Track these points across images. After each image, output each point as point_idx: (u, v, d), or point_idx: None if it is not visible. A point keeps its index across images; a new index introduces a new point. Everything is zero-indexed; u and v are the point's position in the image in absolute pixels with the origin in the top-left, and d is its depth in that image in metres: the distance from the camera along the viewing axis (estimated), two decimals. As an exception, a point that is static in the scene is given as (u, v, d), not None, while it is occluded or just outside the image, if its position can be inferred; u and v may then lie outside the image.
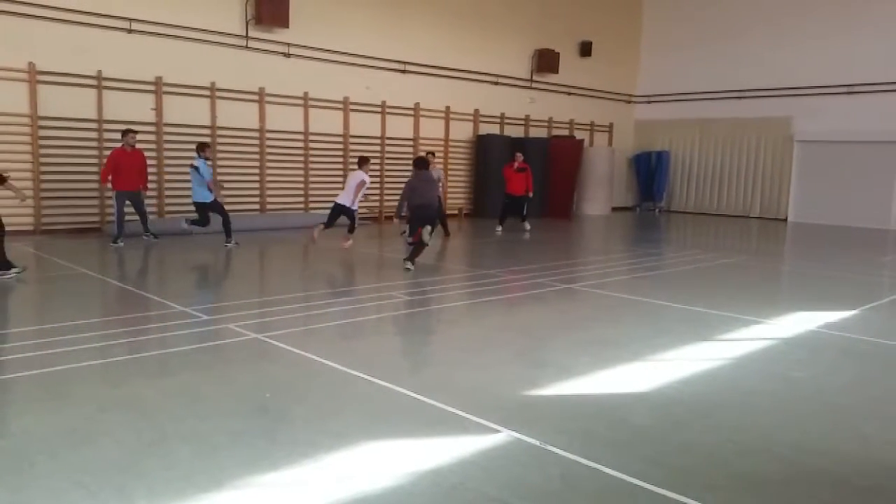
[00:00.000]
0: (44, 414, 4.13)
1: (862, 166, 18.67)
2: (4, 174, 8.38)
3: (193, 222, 11.66)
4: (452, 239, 13.57)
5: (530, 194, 15.07)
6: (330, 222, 11.46)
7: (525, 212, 15.19)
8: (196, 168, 11.10)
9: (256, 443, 3.74)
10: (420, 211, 9.82)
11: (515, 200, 14.97)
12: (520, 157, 15.09)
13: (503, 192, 15.22)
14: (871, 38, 18.31)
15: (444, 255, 12.10)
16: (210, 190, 11.23)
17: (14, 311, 7.20)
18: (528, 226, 15.15)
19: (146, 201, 12.30)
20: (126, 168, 11.06)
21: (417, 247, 9.79)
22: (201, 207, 11.43)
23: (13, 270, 8.21)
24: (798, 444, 3.94)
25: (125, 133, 11.19)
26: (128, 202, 11.31)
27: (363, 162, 11.75)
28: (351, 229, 11.44)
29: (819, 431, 4.18)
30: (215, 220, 11.64)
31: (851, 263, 11.73)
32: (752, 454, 3.78)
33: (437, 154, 14.98)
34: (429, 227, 9.70)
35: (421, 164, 10.17)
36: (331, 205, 11.59)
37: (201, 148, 11.33)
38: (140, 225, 11.71)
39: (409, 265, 9.59)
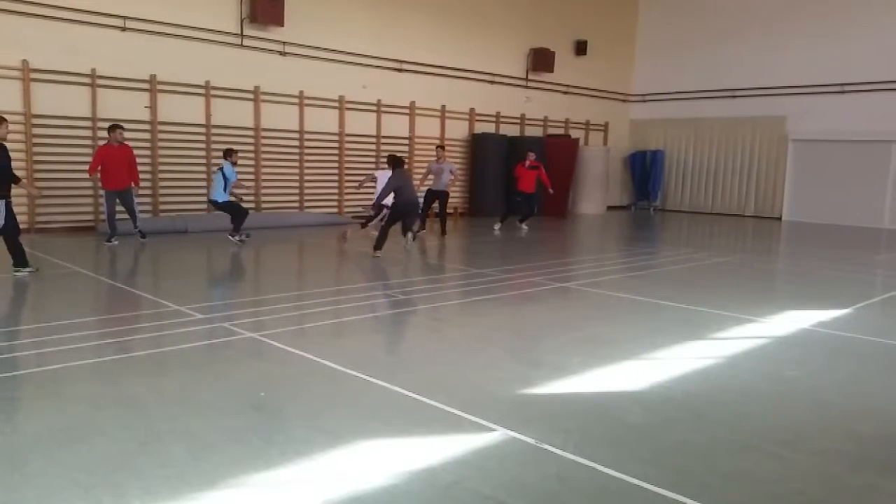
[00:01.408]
0: (38, 412, 4.12)
1: (856, 165, 18.74)
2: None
3: (239, 232, 11.68)
4: (448, 238, 13.57)
5: (551, 190, 15.18)
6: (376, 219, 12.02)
7: (535, 211, 15.34)
8: (220, 170, 11.53)
9: (251, 441, 3.73)
10: (405, 207, 10.45)
11: (528, 198, 15.05)
12: (532, 155, 15.16)
13: (513, 190, 15.31)
14: (864, 38, 18.37)
15: (440, 254, 12.10)
16: (225, 190, 11.56)
17: (9, 309, 7.18)
18: (525, 227, 15.20)
19: (140, 199, 12.30)
20: (113, 165, 10.92)
21: (381, 235, 10.42)
22: (216, 206, 11.76)
23: (26, 269, 8.30)
24: (791, 443, 3.95)
25: (112, 128, 11.07)
26: (118, 200, 11.25)
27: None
28: (364, 225, 11.85)
29: (812, 430, 4.19)
30: (222, 221, 11.94)
31: (845, 262, 11.77)
32: (746, 453, 3.80)
33: (445, 148, 15.16)
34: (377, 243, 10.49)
35: (399, 163, 10.69)
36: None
37: (228, 153, 11.76)
38: (128, 224, 11.61)
39: (377, 254, 10.27)
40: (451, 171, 13.90)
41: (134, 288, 8.27)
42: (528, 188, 14.92)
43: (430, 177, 14.08)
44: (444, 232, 13.78)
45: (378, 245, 10.50)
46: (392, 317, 7.21)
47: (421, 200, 13.18)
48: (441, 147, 14.49)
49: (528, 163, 14.98)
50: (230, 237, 11.55)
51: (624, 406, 4.46)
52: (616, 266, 11.12)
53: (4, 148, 8.17)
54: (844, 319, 7.23)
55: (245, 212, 11.79)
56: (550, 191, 15.21)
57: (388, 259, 10.69)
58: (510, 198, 15.28)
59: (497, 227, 14.76)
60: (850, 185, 18.79)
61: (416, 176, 14.48)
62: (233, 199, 11.88)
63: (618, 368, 5.26)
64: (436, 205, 13.98)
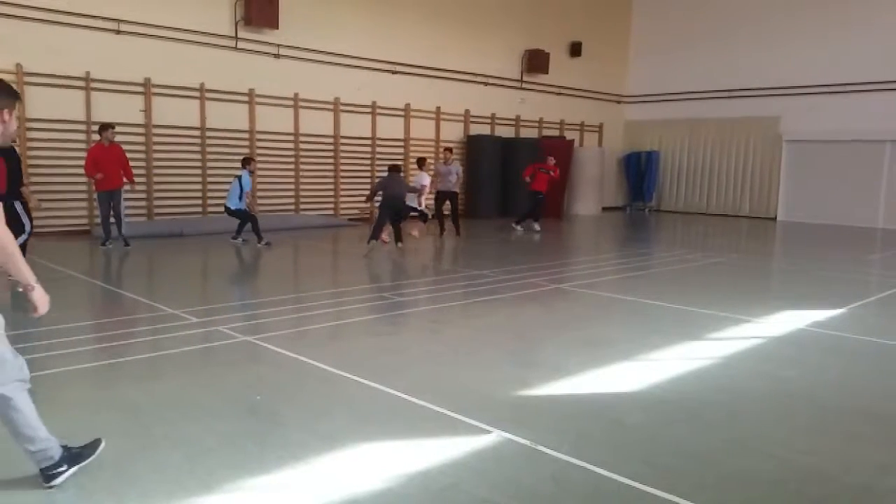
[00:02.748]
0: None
1: (850, 165, 18.80)
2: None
3: (258, 236, 11.78)
4: (444, 239, 13.58)
5: (554, 174, 15.70)
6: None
7: (522, 215, 15.69)
8: (239, 178, 11.79)
9: (247, 446, 3.73)
10: (390, 201, 11.65)
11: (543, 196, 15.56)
12: (551, 160, 15.75)
13: (525, 190, 15.71)
14: (858, 38, 18.43)
15: (437, 255, 12.10)
16: (240, 199, 11.78)
17: (4, 314, 7.14)
18: (519, 229, 15.30)
19: (135, 202, 12.27)
20: (106, 164, 10.83)
21: (396, 230, 11.72)
22: (229, 212, 11.98)
23: None
24: (787, 443, 3.96)
25: (104, 128, 10.98)
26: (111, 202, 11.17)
27: (422, 163, 13.56)
28: (424, 220, 13.15)
29: (808, 430, 4.20)
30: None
31: (840, 262, 11.81)
32: (742, 453, 3.80)
33: (453, 150, 15.64)
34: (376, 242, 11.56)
35: (393, 169, 12.11)
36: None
37: (246, 162, 12.15)
38: (126, 227, 11.55)
39: (370, 244, 11.16)
40: (456, 173, 14.31)
41: (129, 292, 8.24)
42: (542, 188, 15.38)
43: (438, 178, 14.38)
44: (458, 232, 14.06)
45: (373, 237, 11.25)
46: (388, 319, 7.20)
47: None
48: (448, 150, 14.94)
49: (546, 167, 15.47)
50: (258, 244, 11.66)
51: (620, 407, 4.46)
52: (612, 267, 11.13)
53: (13, 149, 8.13)
54: (840, 319, 7.26)
55: (255, 218, 11.94)
56: (554, 174, 15.70)
57: (385, 261, 10.70)
58: (532, 197, 15.56)
59: (536, 227, 15.30)
60: (845, 185, 18.85)
61: (412, 177, 14.74)
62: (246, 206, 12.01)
63: (614, 369, 5.26)
64: (446, 206, 14.34)
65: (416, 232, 12.85)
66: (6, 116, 3.15)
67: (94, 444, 3.38)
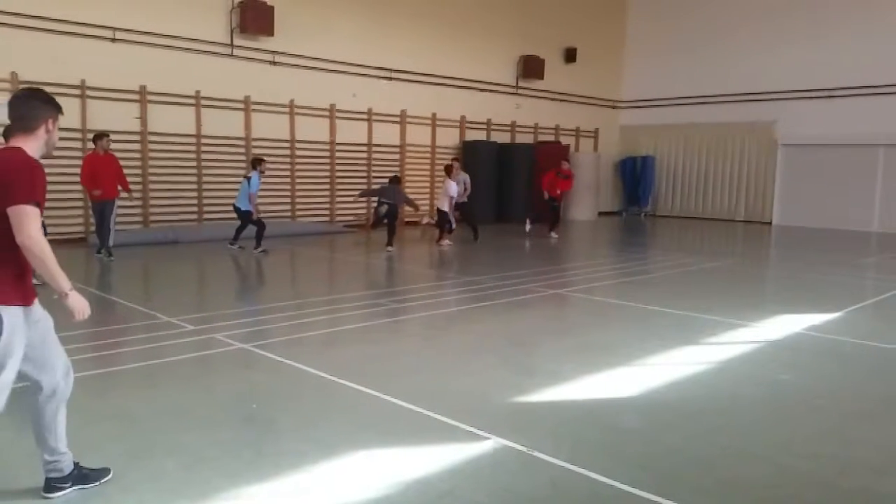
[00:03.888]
0: (28, 427, 4.08)
1: (845, 169, 18.86)
2: None
3: (258, 242, 11.79)
4: (442, 245, 13.59)
5: (564, 185, 15.87)
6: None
7: (535, 214, 16.21)
8: (248, 179, 11.75)
9: (243, 454, 3.71)
10: (383, 205, 13.01)
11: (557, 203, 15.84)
12: (566, 164, 15.93)
13: (541, 196, 15.90)
14: (851, 43, 18.51)
15: (433, 262, 12.10)
16: (249, 201, 11.76)
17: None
18: (528, 227, 15.70)
19: (130, 210, 12.23)
20: (101, 174, 10.76)
21: (389, 233, 12.63)
22: (238, 213, 11.98)
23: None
24: (785, 447, 3.96)
25: (99, 137, 10.87)
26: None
27: (449, 170, 13.78)
28: (449, 230, 13.73)
29: (805, 434, 4.21)
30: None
31: (835, 265, 11.83)
32: (740, 457, 3.80)
33: (458, 159, 15.81)
34: (383, 208, 13.01)
35: (394, 180, 13.33)
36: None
37: (257, 163, 12.00)
38: (122, 234, 11.47)
39: (389, 249, 12.32)
40: (464, 183, 14.44)
41: (125, 300, 8.21)
42: (557, 194, 15.68)
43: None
44: (475, 237, 14.17)
45: (374, 225, 13.45)
46: (385, 325, 7.19)
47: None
48: (456, 159, 15.16)
49: (563, 171, 15.63)
50: (254, 250, 11.66)
51: (617, 412, 4.46)
52: (609, 272, 11.13)
53: None
54: (836, 323, 7.27)
55: (262, 224, 11.89)
56: (564, 185, 15.85)
57: (381, 267, 10.69)
58: (548, 203, 15.71)
59: (554, 234, 15.50)
60: (840, 189, 18.90)
61: (409, 183, 14.96)
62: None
63: (611, 374, 5.26)
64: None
65: (444, 243, 13.51)
66: (50, 126, 3.15)
67: (103, 472, 3.37)
